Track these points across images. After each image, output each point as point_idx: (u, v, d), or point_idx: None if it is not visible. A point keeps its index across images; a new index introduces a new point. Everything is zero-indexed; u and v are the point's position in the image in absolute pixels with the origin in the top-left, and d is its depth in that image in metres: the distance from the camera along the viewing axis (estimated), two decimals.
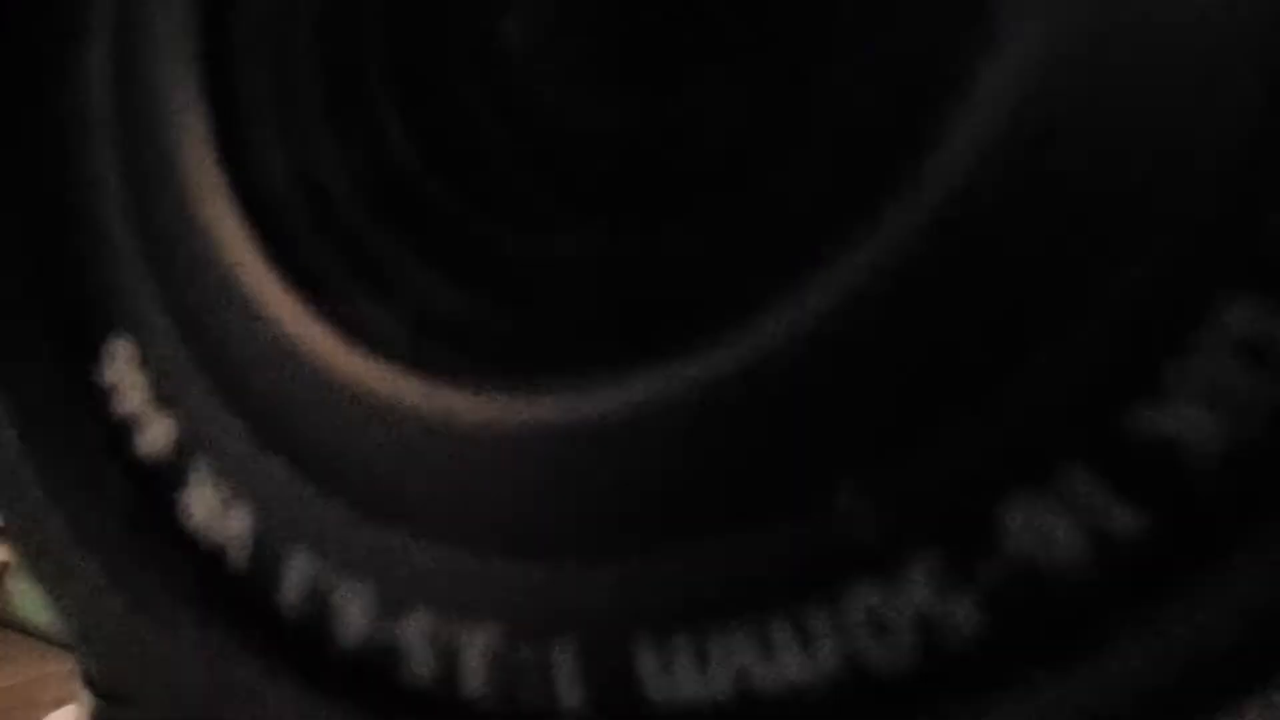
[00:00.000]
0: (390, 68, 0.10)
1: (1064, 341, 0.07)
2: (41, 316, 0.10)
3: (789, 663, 0.08)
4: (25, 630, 3.06)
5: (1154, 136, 0.07)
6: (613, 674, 0.08)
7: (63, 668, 2.81)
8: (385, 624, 0.09)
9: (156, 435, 0.10)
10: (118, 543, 0.09)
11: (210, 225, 0.09)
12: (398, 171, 0.10)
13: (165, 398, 0.10)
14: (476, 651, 0.08)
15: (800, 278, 0.07)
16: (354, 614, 0.09)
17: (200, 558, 0.09)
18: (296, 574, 0.09)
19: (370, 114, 0.10)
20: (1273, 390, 0.07)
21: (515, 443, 0.08)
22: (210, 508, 0.09)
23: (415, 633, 0.08)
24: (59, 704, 2.06)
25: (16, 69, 0.10)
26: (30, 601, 2.99)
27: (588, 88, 0.10)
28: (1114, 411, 0.07)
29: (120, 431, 0.10)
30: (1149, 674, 0.07)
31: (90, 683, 0.19)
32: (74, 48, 0.10)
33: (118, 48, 0.10)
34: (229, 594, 0.09)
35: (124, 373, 0.10)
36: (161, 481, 0.10)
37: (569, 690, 0.08)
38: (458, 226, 0.10)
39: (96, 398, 0.10)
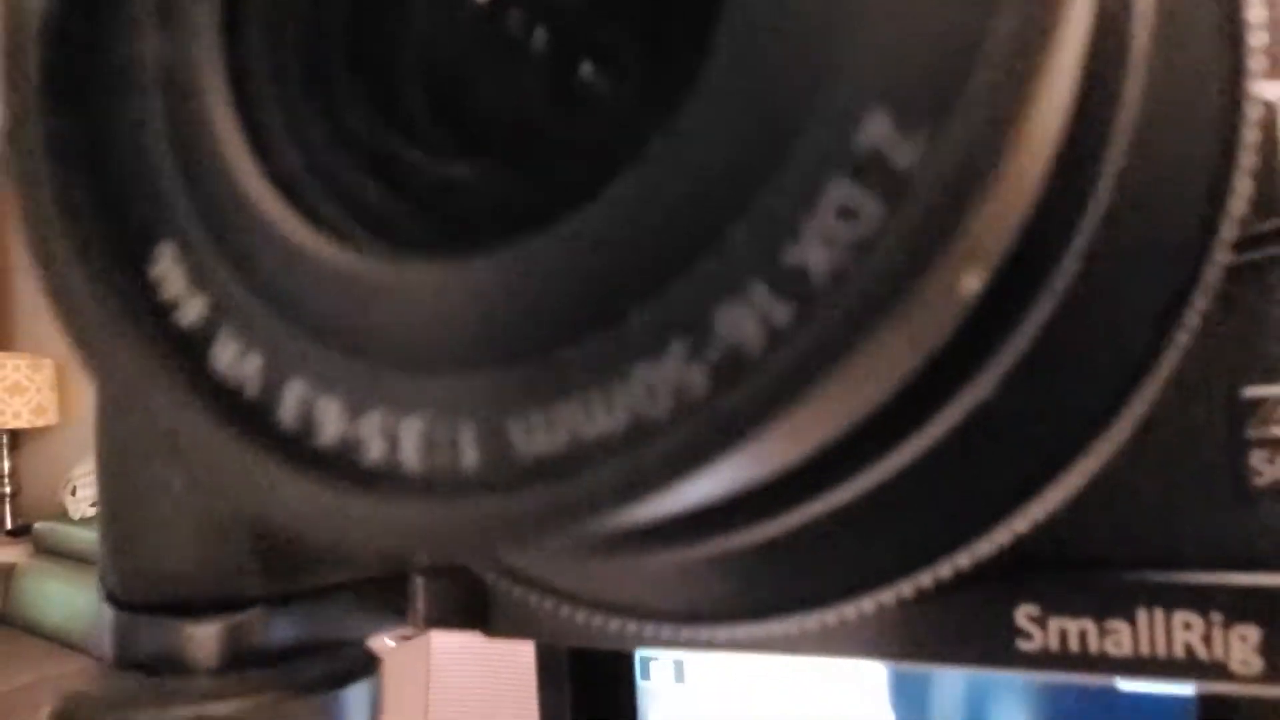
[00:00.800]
0: (351, 55, 0.13)
1: (745, 223, 0.10)
2: (106, 223, 0.13)
3: (600, 420, 0.10)
4: (34, 631, 3.07)
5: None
6: (495, 442, 0.10)
7: (71, 667, 2.87)
8: (350, 424, 0.11)
9: (191, 309, 0.12)
10: (167, 386, 0.12)
11: (230, 160, 0.12)
12: (358, 124, 0.13)
13: (198, 283, 0.12)
14: (411, 435, 0.11)
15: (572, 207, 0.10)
16: (330, 418, 0.11)
17: (224, 393, 0.12)
18: (291, 396, 0.11)
19: (336, 86, 0.13)
20: (857, 237, 0.09)
21: (424, 296, 0.11)
22: (231, 357, 0.12)
23: (370, 427, 0.11)
24: None
25: (88, 27, 0.12)
26: (39, 602, 3.03)
27: (492, 75, 0.13)
28: (775, 250, 0.09)
29: (166, 309, 0.12)
30: (785, 397, 0.09)
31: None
32: (128, 21, 0.13)
33: (164, 25, 0.12)
34: (245, 416, 0.11)
35: (168, 267, 0.12)
36: (196, 342, 0.12)
37: (469, 456, 0.11)
38: (393, 158, 0.13)
39: (149, 285, 0.13)
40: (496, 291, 0.10)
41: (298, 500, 0.10)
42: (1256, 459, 0.13)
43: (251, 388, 0.12)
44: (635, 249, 0.10)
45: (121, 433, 0.18)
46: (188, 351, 0.12)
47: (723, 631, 0.14)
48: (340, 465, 0.11)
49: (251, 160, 0.12)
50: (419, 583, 0.18)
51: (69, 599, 3.03)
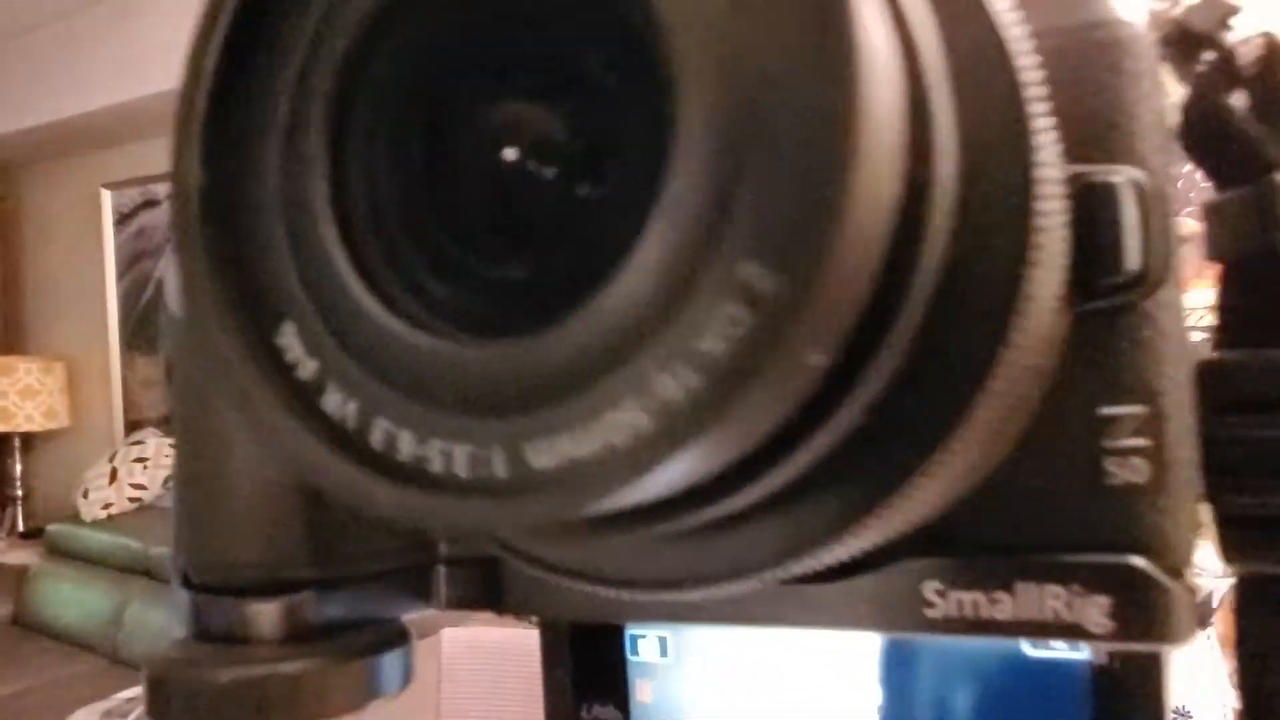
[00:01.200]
0: (428, 186, 0.17)
1: (672, 328, 0.13)
2: (248, 305, 0.16)
3: (584, 446, 0.13)
4: (48, 633, 3.09)
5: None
6: (517, 461, 0.14)
7: (84, 668, 2.89)
8: (419, 447, 0.14)
9: (306, 369, 0.15)
10: (293, 424, 0.15)
11: (335, 266, 0.16)
12: (432, 236, 0.16)
13: (311, 351, 0.15)
14: (463, 456, 0.14)
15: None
16: (405, 444, 0.15)
17: (332, 427, 0.15)
18: (379, 428, 0.15)
19: (415, 208, 0.16)
20: (740, 334, 0.12)
21: (471, 365, 0.15)
22: (336, 403, 0.15)
23: (433, 450, 0.14)
24: (80, 703, 2.10)
25: (233, 183, 0.16)
26: (52, 604, 3.05)
27: (523, 199, 0.17)
28: (693, 343, 0.12)
29: (289, 367, 0.16)
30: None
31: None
32: (259, 136, 0.16)
33: (286, 144, 0.16)
34: (347, 442, 0.15)
35: (290, 339, 0.16)
36: (311, 391, 0.15)
37: (500, 470, 0.14)
38: (447, 256, 0.16)
39: (276, 350, 0.16)
40: (516, 366, 0.14)
41: (387, 498, 0.14)
42: (1109, 464, 0.17)
43: (351, 423, 0.15)
44: (595, 348, 0.13)
45: (207, 449, 0.21)
46: (305, 397, 0.16)
47: (668, 596, 0.17)
48: (414, 475, 0.14)
49: (350, 266, 0.16)
50: (441, 571, 0.22)
51: (81, 601, 3.07)
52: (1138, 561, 0.16)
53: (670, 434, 0.12)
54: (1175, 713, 1.19)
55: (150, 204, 3.56)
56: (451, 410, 0.14)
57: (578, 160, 0.16)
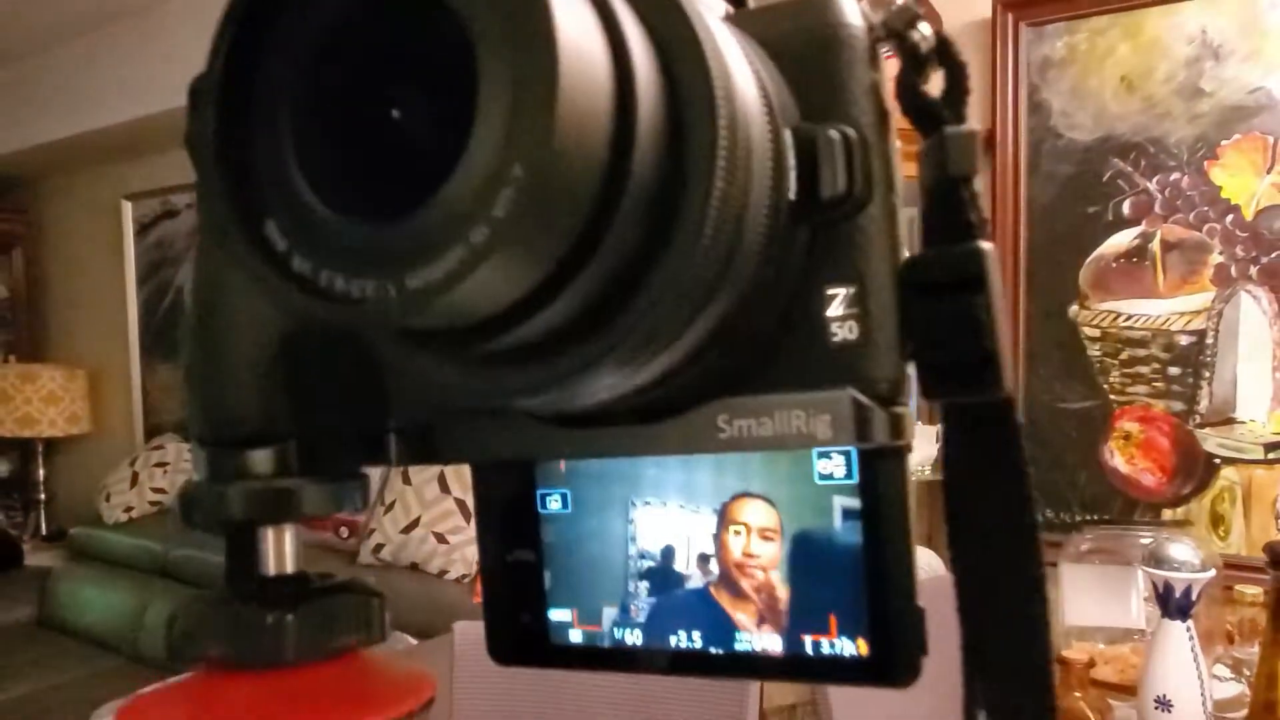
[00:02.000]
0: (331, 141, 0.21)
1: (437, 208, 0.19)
2: (245, 209, 0.21)
3: (437, 270, 0.18)
4: (70, 633, 3.14)
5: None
6: (398, 284, 0.19)
7: (105, 667, 2.95)
8: (346, 284, 0.20)
9: (281, 246, 0.21)
10: (270, 276, 0.21)
11: (290, 172, 0.21)
12: (313, 205, 0.21)
13: (283, 234, 0.21)
14: (358, 286, 0.19)
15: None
16: (338, 282, 0.20)
17: (297, 279, 0.20)
18: (324, 277, 0.20)
19: (327, 161, 0.21)
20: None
21: (369, 233, 0.19)
22: (298, 263, 0.21)
23: (342, 281, 0.20)
24: (103, 701, 2.15)
25: (235, 101, 0.21)
26: (75, 604, 3.10)
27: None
28: (466, 230, 0.18)
29: (271, 247, 0.21)
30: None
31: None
32: (252, 99, 0.21)
33: (266, 105, 0.21)
34: (305, 286, 0.21)
35: (271, 229, 0.21)
36: (282, 259, 0.21)
37: (391, 291, 0.19)
38: (334, 223, 0.20)
39: (263, 238, 0.21)
40: (401, 234, 0.19)
41: (330, 315, 0.20)
42: (832, 327, 0.23)
43: (308, 275, 0.20)
44: (440, 219, 0.19)
45: (214, 318, 0.27)
46: (280, 263, 0.21)
47: (535, 432, 0.25)
48: (347, 301, 0.20)
49: (303, 180, 0.21)
50: (391, 438, 0.27)
51: (103, 601, 3.14)
52: (851, 391, 0.23)
53: (475, 261, 0.18)
54: (1157, 701, 1.23)
55: (170, 214, 3.64)
56: (366, 262, 0.20)
57: (421, 109, 0.21)
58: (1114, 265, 1.71)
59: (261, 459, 0.25)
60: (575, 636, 0.28)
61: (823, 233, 0.23)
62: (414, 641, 2.19)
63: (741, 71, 0.21)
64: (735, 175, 0.20)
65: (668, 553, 0.27)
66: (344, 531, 2.77)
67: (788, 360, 0.23)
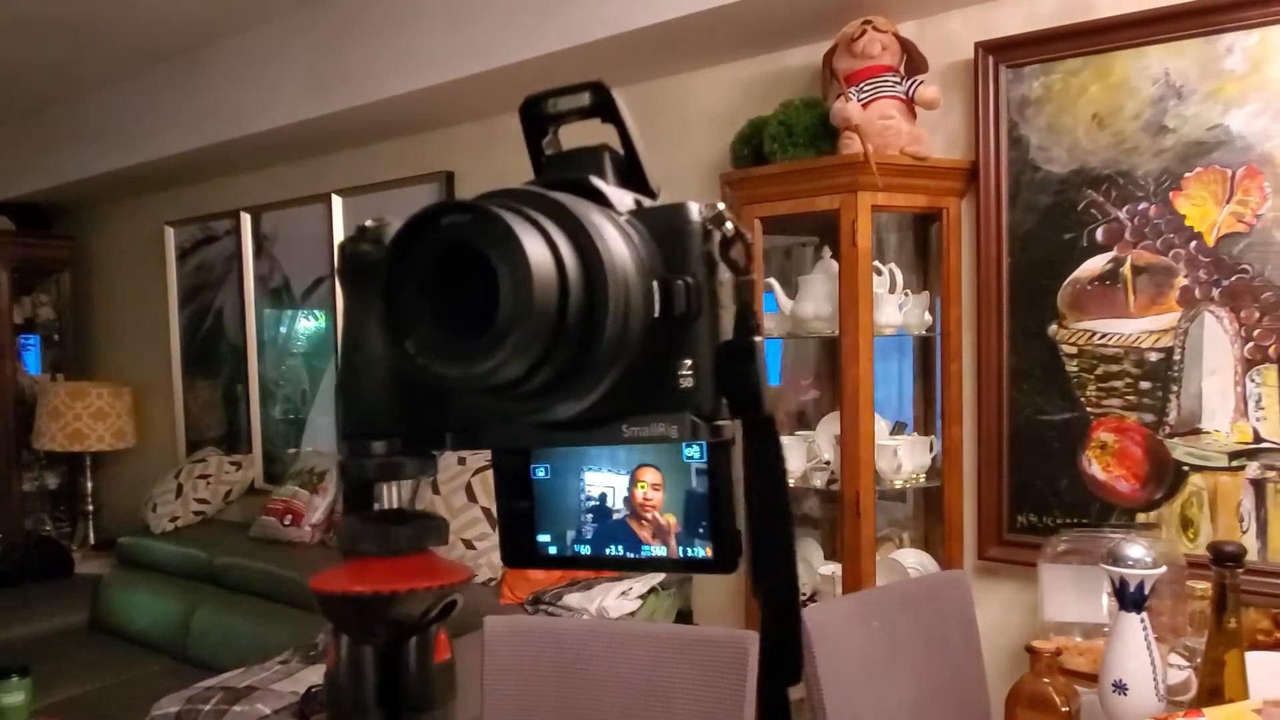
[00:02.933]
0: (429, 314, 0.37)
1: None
2: (395, 330, 0.37)
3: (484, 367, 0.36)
4: (122, 636, 3.31)
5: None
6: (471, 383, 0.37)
7: (156, 668, 3.13)
8: (440, 368, 0.37)
9: (410, 345, 0.37)
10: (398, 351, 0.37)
11: (420, 321, 0.37)
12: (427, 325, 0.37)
13: (407, 338, 0.37)
14: (445, 369, 0.37)
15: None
16: (435, 365, 0.36)
17: (411, 358, 0.37)
18: (423, 360, 0.37)
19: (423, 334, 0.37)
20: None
21: (446, 360, 0.36)
22: (413, 351, 0.37)
23: (439, 366, 0.37)
24: (155, 699, 2.28)
25: (397, 281, 0.37)
26: (124, 609, 3.27)
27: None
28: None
29: (402, 343, 0.38)
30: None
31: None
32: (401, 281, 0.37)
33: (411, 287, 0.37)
34: (413, 365, 0.37)
35: (410, 342, 0.37)
36: (408, 352, 0.37)
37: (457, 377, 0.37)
38: (438, 336, 0.36)
39: (404, 347, 0.38)
40: (463, 343, 0.35)
41: (429, 377, 0.36)
42: (680, 381, 0.39)
43: (419, 359, 0.37)
44: (486, 359, 0.35)
45: (357, 355, 0.43)
46: (405, 351, 0.37)
47: (531, 434, 0.42)
48: (430, 372, 0.36)
49: (428, 315, 0.37)
50: (449, 435, 0.42)
51: (151, 606, 3.27)
52: (689, 415, 0.38)
53: (505, 360, 0.34)
54: (1114, 685, 1.36)
55: (210, 240, 3.80)
56: (451, 358, 0.35)
57: (477, 288, 0.35)
58: (1089, 288, 1.84)
59: (379, 446, 0.42)
60: (551, 549, 0.46)
61: (676, 332, 0.39)
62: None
63: (621, 253, 0.37)
64: (620, 305, 0.36)
65: (602, 498, 0.44)
66: None
67: (657, 398, 0.39)
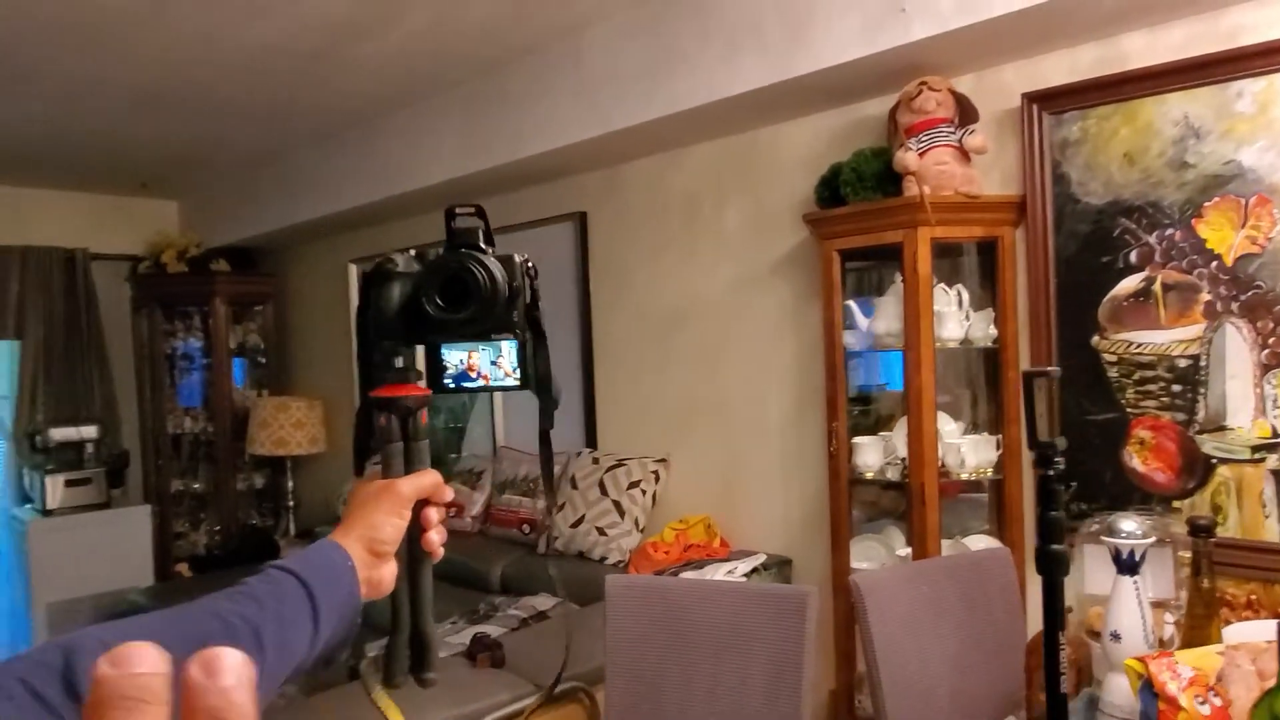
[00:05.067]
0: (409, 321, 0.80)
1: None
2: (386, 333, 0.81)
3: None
4: None
5: None
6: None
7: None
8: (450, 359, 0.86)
9: (403, 360, 0.83)
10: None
11: (428, 321, 0.80)
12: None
13: (402, 352, 0.84)
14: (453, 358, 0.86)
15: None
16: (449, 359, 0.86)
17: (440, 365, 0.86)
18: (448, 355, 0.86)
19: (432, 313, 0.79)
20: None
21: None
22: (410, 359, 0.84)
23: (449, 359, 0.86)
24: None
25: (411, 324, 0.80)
26: None
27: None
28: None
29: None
30: None
31: None
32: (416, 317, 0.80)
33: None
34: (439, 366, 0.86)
35: (404, 352, 0.83)
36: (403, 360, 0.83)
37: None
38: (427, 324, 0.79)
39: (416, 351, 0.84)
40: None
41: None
42: (514, 320, 0.80)
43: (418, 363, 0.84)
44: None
45: (382, 308, 0.81)
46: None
47: None
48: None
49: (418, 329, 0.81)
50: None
51: None
52: (516, 330, 0.81)
53: (470, 315, 0.78)
54: (1112, 635, 1.64)
55: None
56: (443, 312, 0.78)
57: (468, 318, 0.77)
58: (1125, 303, 2.11)
59: (392, 343, 0.82)
60: (448, 384, 0.85)
61: (512, 301, 0.77)
62: (578, 608, 2.78)
63: (498, 269, 0.77)
64: (501, 290, 0.77)
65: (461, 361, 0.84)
66: (525, 528, 3.44)
67: (504, 325, 0.78)
